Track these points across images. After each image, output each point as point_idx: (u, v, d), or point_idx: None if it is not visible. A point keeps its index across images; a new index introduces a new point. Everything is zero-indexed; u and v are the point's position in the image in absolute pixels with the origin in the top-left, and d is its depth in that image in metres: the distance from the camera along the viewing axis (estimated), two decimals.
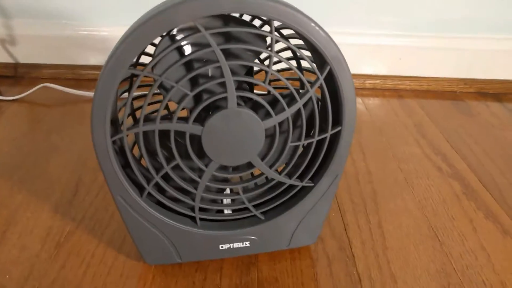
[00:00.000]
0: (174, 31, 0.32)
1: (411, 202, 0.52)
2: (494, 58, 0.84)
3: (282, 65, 0.36)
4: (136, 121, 0.40)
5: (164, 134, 0.35)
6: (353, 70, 0.91)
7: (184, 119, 0.33)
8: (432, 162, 0.60)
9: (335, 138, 0.37)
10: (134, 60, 0.37)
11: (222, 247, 0.40)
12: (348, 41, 0.81)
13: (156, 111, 0.33)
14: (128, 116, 0.35)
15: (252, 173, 0.44)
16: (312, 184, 0.39)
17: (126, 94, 0.37)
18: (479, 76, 0.86)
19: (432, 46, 0.82)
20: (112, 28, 0.79)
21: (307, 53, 0.36)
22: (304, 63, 0.38)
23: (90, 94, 0.74)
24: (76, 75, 0.83)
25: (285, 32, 0.40)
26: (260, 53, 0.40)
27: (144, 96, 0.41)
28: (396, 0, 0.78)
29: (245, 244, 0.40)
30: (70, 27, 0.80)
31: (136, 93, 0.41)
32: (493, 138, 0.68)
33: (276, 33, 0.39)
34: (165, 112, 0.47)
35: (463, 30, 0.82)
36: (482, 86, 0.86)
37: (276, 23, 0.35)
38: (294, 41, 0.38)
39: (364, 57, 0.84)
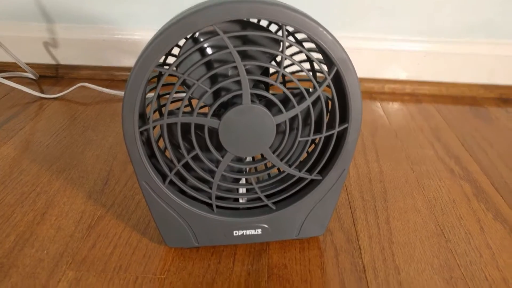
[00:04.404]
0: (197, 35, 0.36)
1: (421, 201, 0.53)
2: None
3: (296, 68, 0.39)
4: (161, 115, 0.45)
5: (186, 129, 0.38)
6: (372, 75, 0.93)
7: (204, 114, 0.37)
8: (445, 164, 0.62)
9: (342, 135, 0.40)
10: (161, 60, 0.42)
11: (236, 233, 0.43)
12: (366, 46, 0.83)
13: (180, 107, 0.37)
14: (154, 112, 0.39)
15: (265, 165, 0.48)
16: (321, 178, 0.42)
17: (152, 93, 0.41)
18: (500, 82, 0.86)
19: (451, 52, 0.83)
20: (144, 32, 0.84)
21: (318, 56, 0.39)
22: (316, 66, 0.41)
23: (123, 93, 0.80)
24: (110, 76, 0.89)
25: (299, 36, 0.43)
26: (275, 56, 0.43)
27: (168, 94, 0.46)
28: (414, 5, 0.80)
29: (257, 231, 0.44)
30: (107, 32, 0.86)
31: (161, 92, 0.45)
32: (509, 143, 0.68)
33: (291, 38, 0.43)
34: (188, 109, 0.51)
35: (483, 36, 0.82)
36: (503, 92, 0.86)
37: (290, 29, 0.38)
38: (307, 45, 0.42)
39: (383, 62, 0.86)
